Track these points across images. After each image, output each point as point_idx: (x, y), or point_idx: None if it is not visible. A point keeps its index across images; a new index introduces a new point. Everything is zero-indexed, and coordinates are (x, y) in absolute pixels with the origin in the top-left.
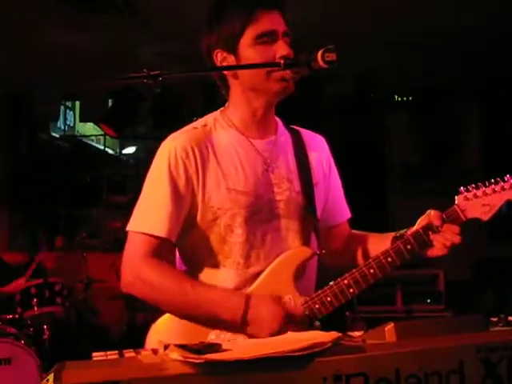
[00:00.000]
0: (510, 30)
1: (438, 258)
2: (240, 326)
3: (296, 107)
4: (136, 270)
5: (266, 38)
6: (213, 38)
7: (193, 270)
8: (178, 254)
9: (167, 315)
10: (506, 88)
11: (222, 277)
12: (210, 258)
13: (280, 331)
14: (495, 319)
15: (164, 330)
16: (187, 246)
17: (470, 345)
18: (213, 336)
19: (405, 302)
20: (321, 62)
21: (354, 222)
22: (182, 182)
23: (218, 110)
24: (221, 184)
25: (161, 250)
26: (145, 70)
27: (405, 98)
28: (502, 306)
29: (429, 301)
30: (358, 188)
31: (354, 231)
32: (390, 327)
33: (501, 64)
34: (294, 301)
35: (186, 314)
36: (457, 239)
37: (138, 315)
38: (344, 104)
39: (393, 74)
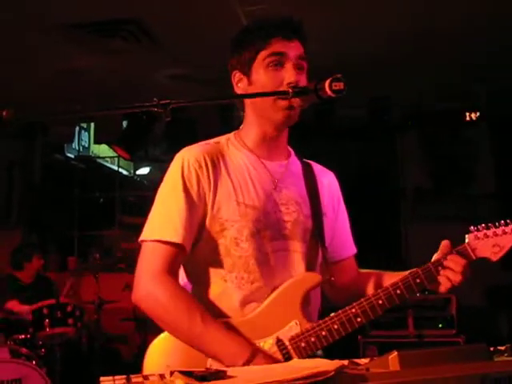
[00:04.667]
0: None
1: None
2: None
3: (308, 129)
4: (150, 286)
5: (275, 58)
6: (234, 60)
7: (196, 284)
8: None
9: (163, 336)
10: None
11: (225, 291)
12: (214, 271)
13: None
14: (503, 348)
15: (160, 352)
16: (192, 258)
17: (474, 374)
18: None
19: (416, 326)
20: (328, 91)
21: (366, 247)
22: (195, 191)
23: (232, 132)
24: (231, 196)
25: (176, 260)
26: (155, 99)
27: (417, 122)
28: None
29: (440, 325)
30: (370, 213)
31: (364, 270)
32: (393, 356)
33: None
34: (301, 326)
35: (189, 342)
36: (457, 278)
37: (149, 337)
38: (357, 127)
39: (406, 99)
